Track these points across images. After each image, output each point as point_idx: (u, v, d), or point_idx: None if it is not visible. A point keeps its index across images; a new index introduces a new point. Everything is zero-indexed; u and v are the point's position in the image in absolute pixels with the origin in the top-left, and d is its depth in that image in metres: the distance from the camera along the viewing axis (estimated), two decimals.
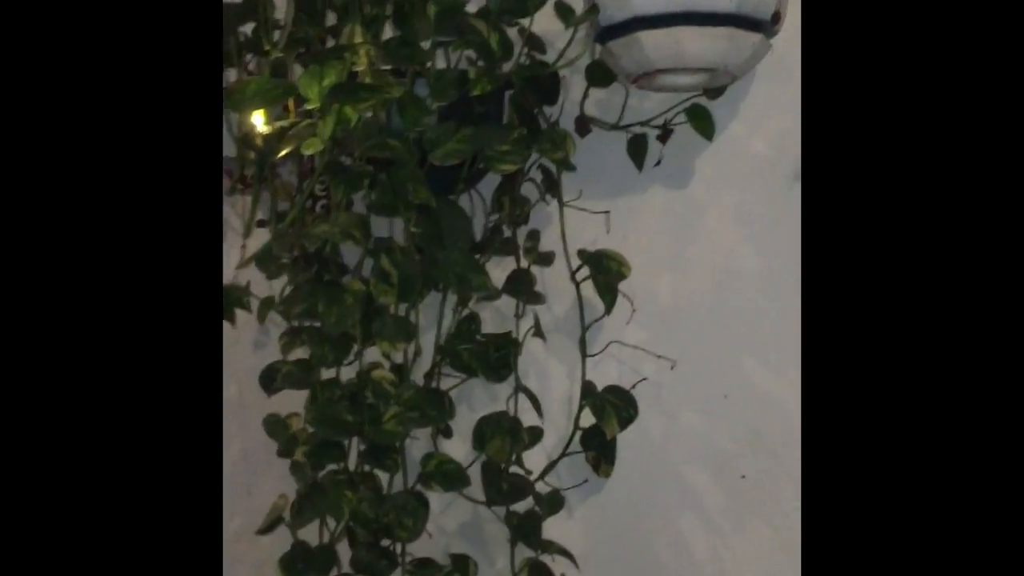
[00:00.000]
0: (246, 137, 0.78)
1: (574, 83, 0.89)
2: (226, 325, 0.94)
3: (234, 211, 1.10)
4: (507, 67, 0.81)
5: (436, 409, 0.82)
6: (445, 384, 0.86)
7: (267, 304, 0.93)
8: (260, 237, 1.05)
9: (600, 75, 0.85)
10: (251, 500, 1.07)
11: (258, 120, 0.77)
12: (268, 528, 0.83)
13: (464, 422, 0.88)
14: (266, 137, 0.77)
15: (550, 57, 0.84)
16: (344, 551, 0.85)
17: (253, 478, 1.07)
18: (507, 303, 0.89)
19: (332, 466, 0.82)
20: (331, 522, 0.85)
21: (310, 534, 0.85)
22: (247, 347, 1.06)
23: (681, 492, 0.89)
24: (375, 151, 0.74)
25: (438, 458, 0.83)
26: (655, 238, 0.89)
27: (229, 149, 0.86)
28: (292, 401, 0.87)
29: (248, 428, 1.08)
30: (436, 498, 0.83)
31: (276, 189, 0.86)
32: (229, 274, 0.99)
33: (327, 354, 0.80)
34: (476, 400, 0.92)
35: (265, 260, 0.80)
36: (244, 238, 0.82)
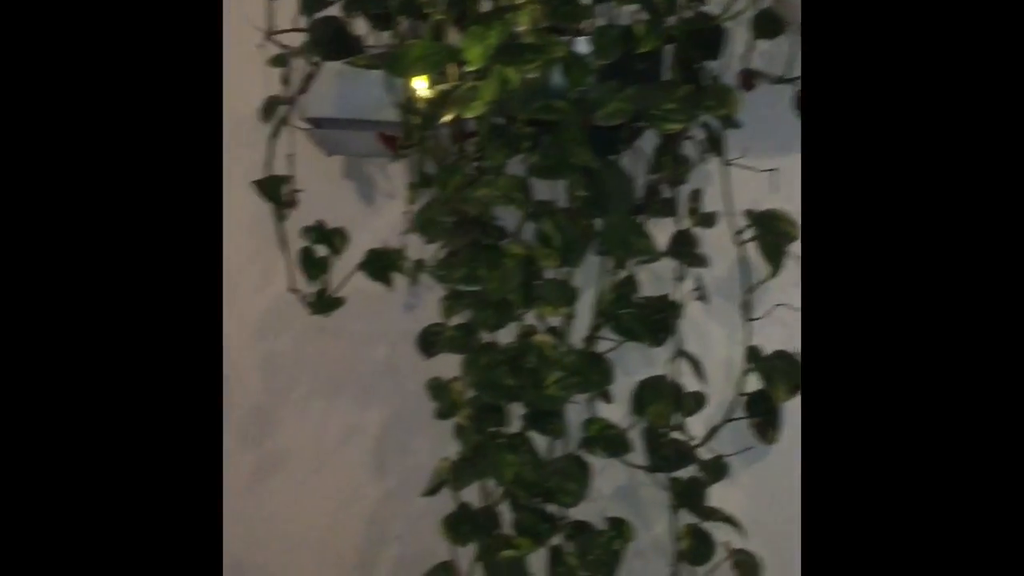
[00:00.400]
0: (409, 102, 0.78)
1: (735, 35, 0.85)
2: (378, 287, 0.95)
3: (382, 176, 1.11)
4: (669, 21, 0.78)
5: (598, 374, 0.81)
6: (600, 348, 0.85)
7: (419, 267, 0.93)
8: (402, 202, 1.07)
9: (768, 26, 0.81)
10: (405, 459, 1.09)
11: (420, 84, 0.76)
12: (433, 490, 0.84)
13: (619, 386, 0.86)
14: (429, 101, 0.77)
15: (712, 9, 0.81)
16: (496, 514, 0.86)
17: (407, 438, 1.08)
18: (663, 265, 0.87)
19: (493, 429, 0.82)
20: (489, 484, 0.86)
21: (469, 496, 0.86)
22: (398, 309, 1.07)
23: None
24: (541, 113, 0.73)
25: (600, 423, 0.82)
26: None
27: (391, 114, 0.86)
28: (443, 363, 0.88)
29: (401, 389, 1.10)
30: (591, 461, 0.83)
31: (432, 152, 0.86)
32: (383, 237, 1.00)
33: (489, 318, 0.80)
34: (631, 364, 0.90)
35: (427, 225, 0.80)
36: (409, 203, 0.82)
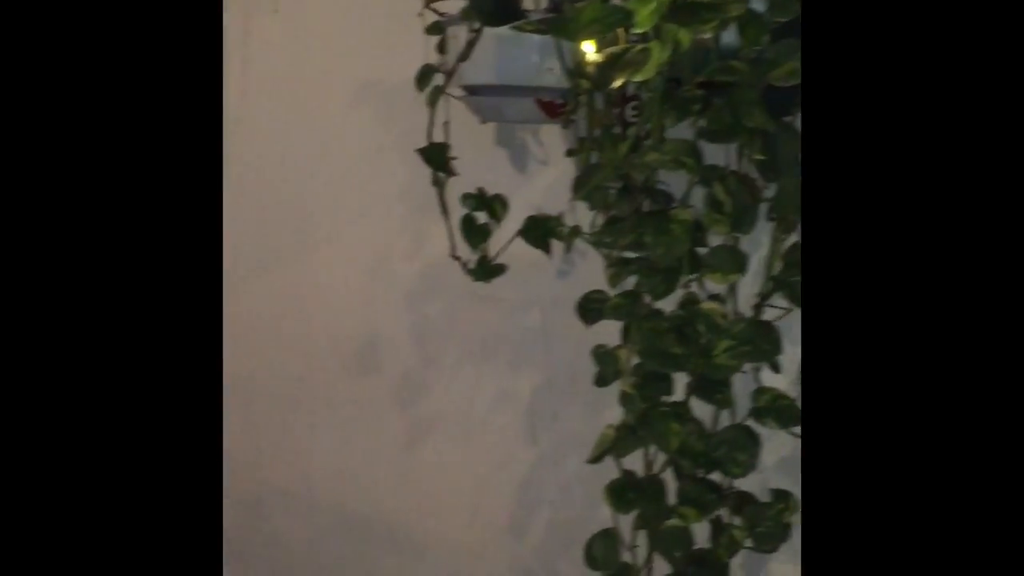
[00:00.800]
0: (577, 67, 0.77)
1: None
2: (530, 253, 0.95)
3: (535, 142, 1.10)
4: None
5: (768, 342, 0.79)
6: (766, 315, 0.83)
7: (575, 233, 0.93)
8: (555, 168, 1.06)
9: None
10: (557, 425, 1.09)
11: (588, 48, 0.75)
12: (598, 458, 0.84)
13: (785, 355, 0.84)
14: (597, 65, 0.75)
15: None
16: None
17: (559, 404, 1.09)
18: None
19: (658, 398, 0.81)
20: (651, 453, 0.85)
21: (630, 465, 0.86)
22: (551, 275, 1.07)
23: None
24: (717, 74, 0.71)
25: (771, 393, 0.80)
26: None
27: (549, 80, 0.85)
28: (597, 330, 0.87)
29: (552, 355, 1.10)
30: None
31: (593, 117, 0.85)
32: (536, 204, 1.00)
33: (656, 285, 0.79)
34: (797, 332, 0.88)
35: (594, 192, 0.79)
36: (581, 166, 0.81)
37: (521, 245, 0.94)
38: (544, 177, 1.08)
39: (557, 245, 0.95)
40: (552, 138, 1.07)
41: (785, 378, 0.85)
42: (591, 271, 0.97)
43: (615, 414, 0.86)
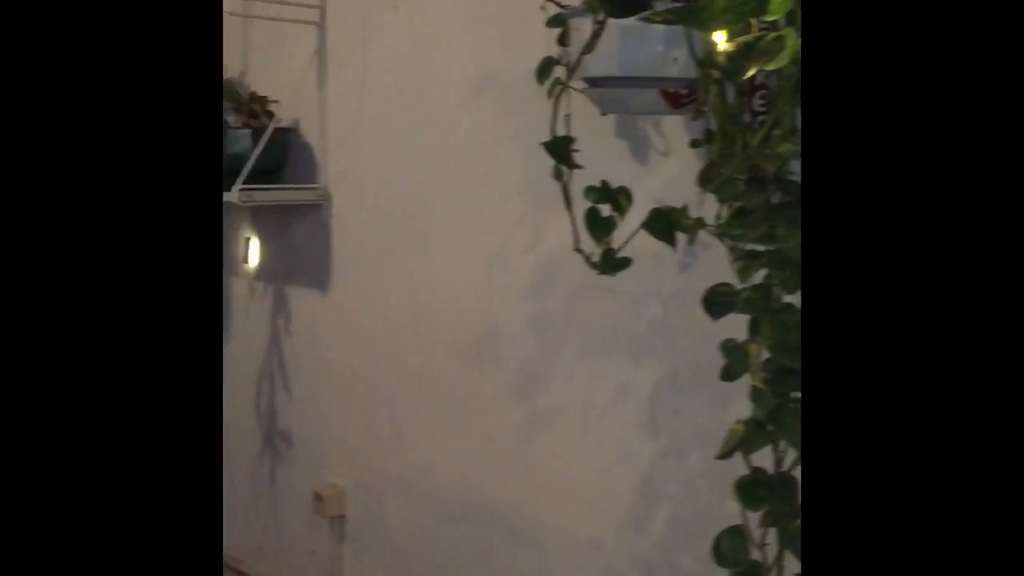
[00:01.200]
0: (708, 56, 0.76)
1: None
2: (650, 245, 0.94)
3: (656, 134, 1.09)
4: None
5: None
6: None
7: (699, 225, 0.91)
8: (677, 159, 1.05)
9: None
10: (678, 419, 1.08)
11: (719, 37, 0.74)
12: (727, 454, 0.83)
13: None
14: (728, 55, 0.74)
15: None
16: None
17: (681, 398, 1.08)
18: None
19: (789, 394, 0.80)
20: (779, 450, 0.84)
21: (757, 462, 0.84)
22: (673, 268, 1.06)
23: None
24: None
25: None
26: None
27: (673, 70, 0.84)
28: (721, 323, 0.86)
29: (673, 349, 1.09)
30: None
31: (720, 108, 0.84)
32: (657, 196, 0.99)
33: (788, 279, 0.77)
34: None
35: (724, 184, 0.78)
36: (711, 158, 0.80)
37: (640, 237, 0.93)
38: (665, 169, 1.06)
39: (679, 237, 0.94)
40: (673, 129, 1.05)
41: None
42: (713, 263, 0.96)
43: (738, 409, 0.85)
